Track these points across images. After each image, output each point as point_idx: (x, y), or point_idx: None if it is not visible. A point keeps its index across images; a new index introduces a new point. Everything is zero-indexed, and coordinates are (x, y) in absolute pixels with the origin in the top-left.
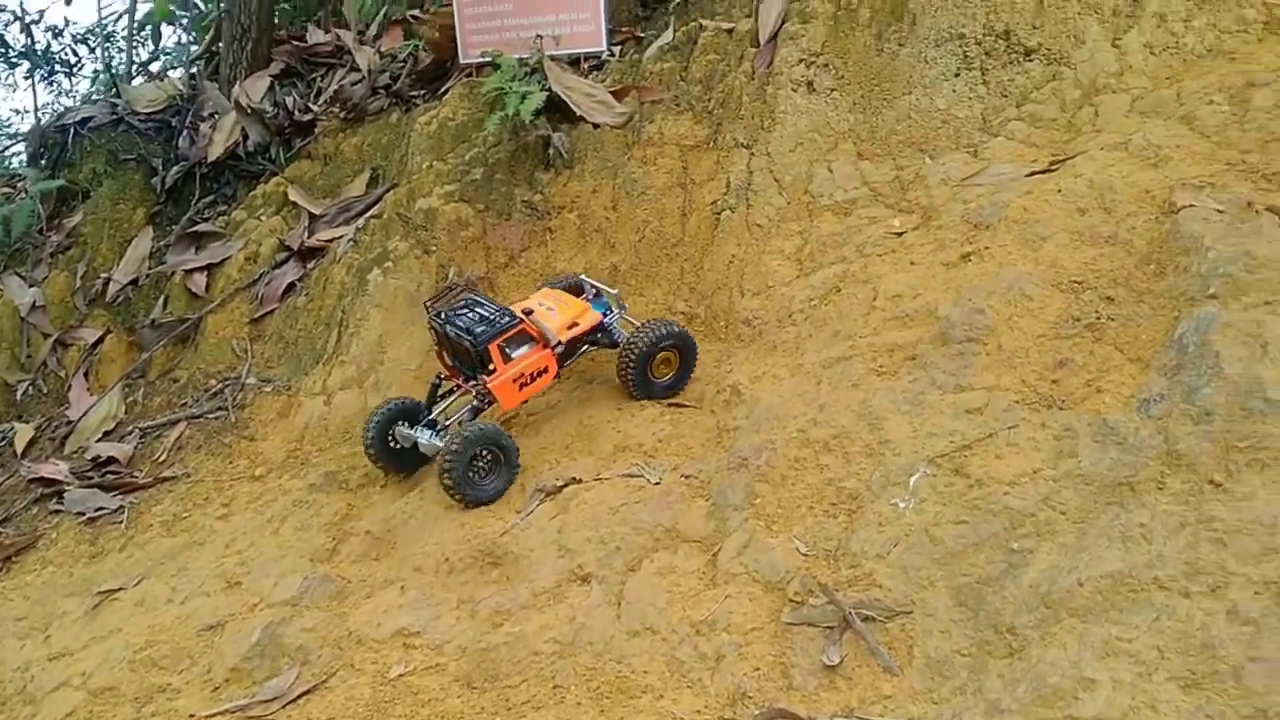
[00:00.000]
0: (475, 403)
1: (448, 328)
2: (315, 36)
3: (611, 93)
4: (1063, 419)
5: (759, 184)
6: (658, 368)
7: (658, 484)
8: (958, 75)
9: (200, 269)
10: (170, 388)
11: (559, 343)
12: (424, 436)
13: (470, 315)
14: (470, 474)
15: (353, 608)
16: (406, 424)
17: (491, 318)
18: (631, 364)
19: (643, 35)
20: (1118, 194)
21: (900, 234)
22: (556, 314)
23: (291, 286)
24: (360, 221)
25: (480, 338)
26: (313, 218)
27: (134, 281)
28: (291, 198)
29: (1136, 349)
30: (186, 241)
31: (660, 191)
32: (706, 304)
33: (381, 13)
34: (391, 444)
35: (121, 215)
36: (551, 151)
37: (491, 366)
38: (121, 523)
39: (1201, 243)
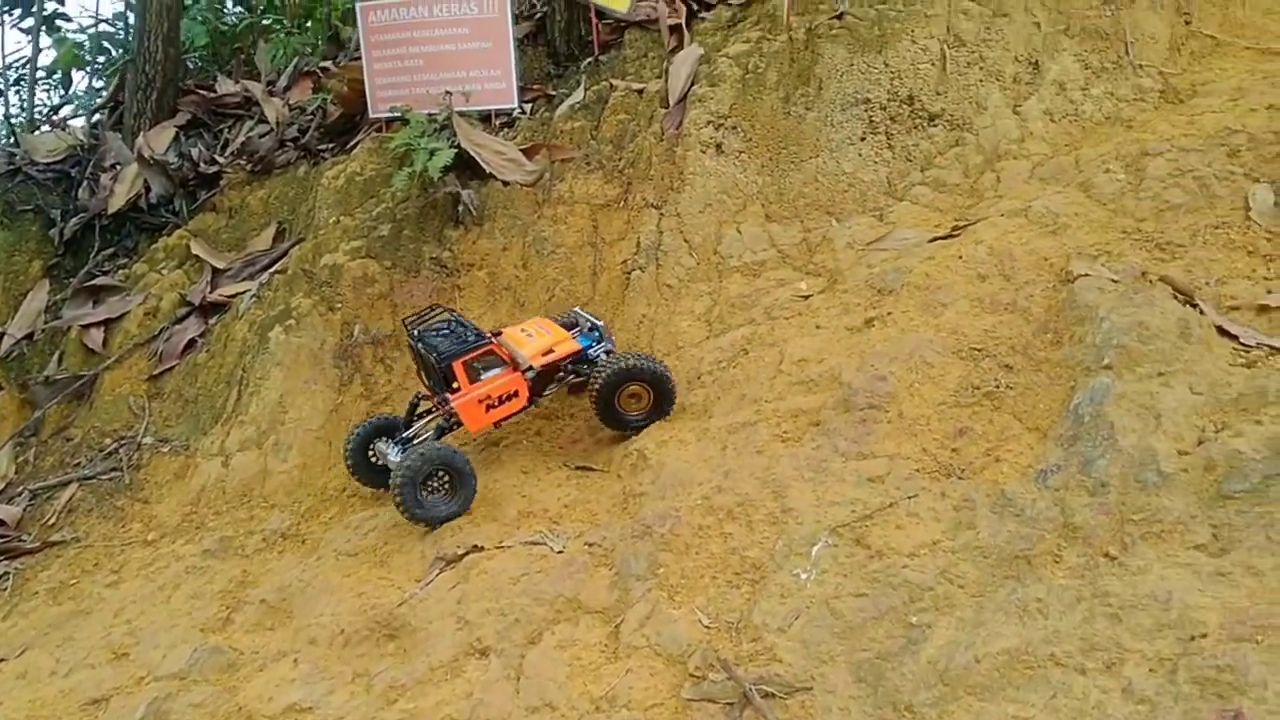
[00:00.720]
0: (441, 422)
1: (420, 345)
2: (225, 87)
3: (522, 150)
4: (962, 489)
5: (669, 244)
6: (625, 401)
7: (561, 552)
8: (863, 139)
9: (98, 324)
10: (63, 447)
11: (530, 367)
12: (393, 453)
13: (444, 334)
14: (423, 494)
15: (244, 681)
16: (386, 440)
17: (461, 337)
18: (596, 393)
19: (554, 93)
20: (1017, 261)
21: (807, 297)
22: (534, 340)
23: (192, 343)
24: (264, 277)
25: (445, 355)
26: (216, 272)
27: (29, 336)
28: (194, 251)
29: (1034, 418)
30: (84, 295)
31: (570, 250)
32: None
33: (292, 65)
34: (372, 459)
35: (17, 267)
36: (461, 208)
37: (456, 385)
38: (5, 589)
39: (1096, 312)
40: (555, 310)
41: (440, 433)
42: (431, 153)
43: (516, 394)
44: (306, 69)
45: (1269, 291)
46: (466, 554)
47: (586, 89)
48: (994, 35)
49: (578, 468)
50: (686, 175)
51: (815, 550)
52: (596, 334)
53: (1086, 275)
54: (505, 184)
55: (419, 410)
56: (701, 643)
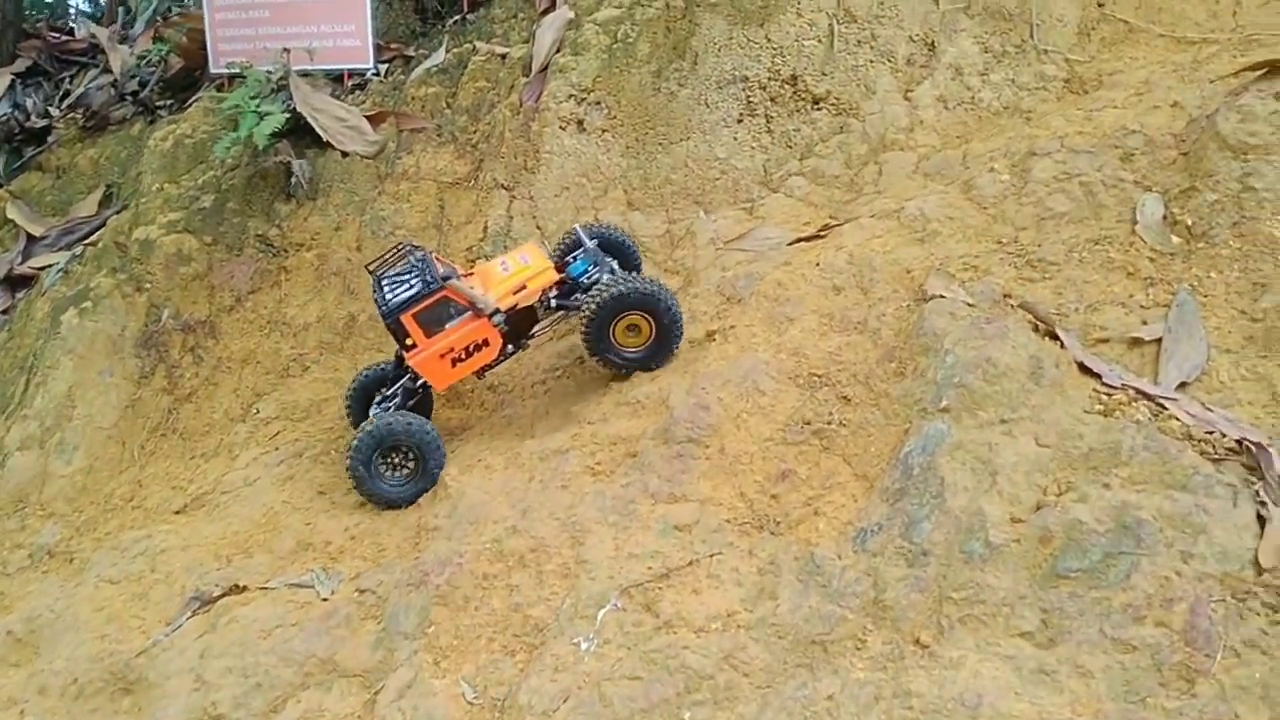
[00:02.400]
0: (408, 383)
1: (377, 294)
2: (83, 29)
3: (367, 117)
4: (771, 548)
5: (520, 231)
6: (622, 334)
7: (326, 600)
8: (740, 122)
9: None
10: None
11: (496, 311)
12: (373, 413)
13: (403, 280)
14: (381, 470)
15: None
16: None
17: (415, 285)
18: (585, 326)
19: (414, 54)
20: (877, 273)
21: None
22: (508, 275)
23: None
24: (80, 248)
25: (391, 308)
26: (30, 239)
27: None
28: (10, 215)
29: (864, 462)
30: None
31: (412, 233)
32: None
33: (152, 7)
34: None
35: None
36: (292, 180)
37: (410, 341)
38: None
39: (942, 343)
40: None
41: (409, 395)
42: (261, 116)
43: (486, 343)
44: (164, 14)
45: (1144, 323)
46: (224, 595)
47: (448, 50)
48: (887, 11)
49: None
50: (542, 154)
51: (602, 614)
52: (599, 257)
53: (940, 297)
54: (344, 155)
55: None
56: None
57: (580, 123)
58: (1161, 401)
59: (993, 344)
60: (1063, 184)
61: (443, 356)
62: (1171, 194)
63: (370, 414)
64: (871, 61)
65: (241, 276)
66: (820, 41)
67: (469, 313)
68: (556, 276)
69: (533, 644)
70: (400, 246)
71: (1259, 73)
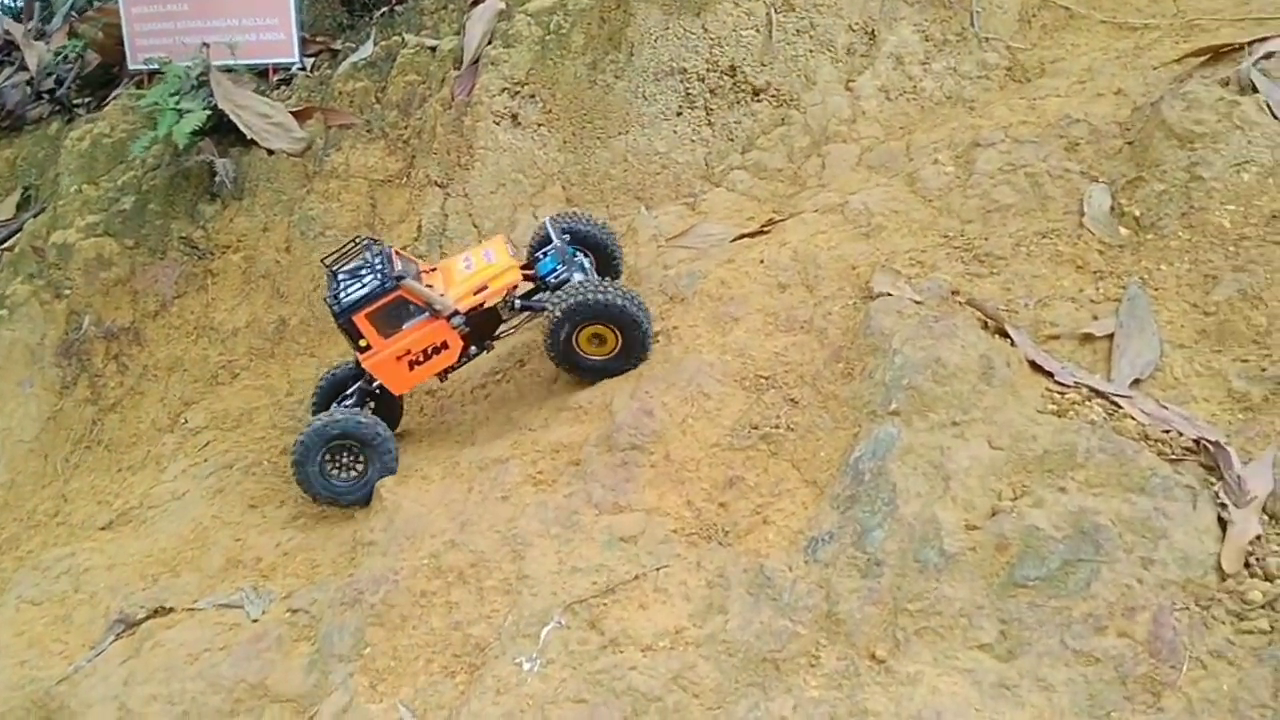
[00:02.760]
0: (364, 385)
1: (330, 292)
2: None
3: (293, 113)
4: (719, 560)
5: (455, 229)
6: (585, 342)
7: (256, 621)
8: (679, 115)
9: None
10: None
11: (455, 313)
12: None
13: (358, 277)
14: (328, 469)
15: None
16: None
17: (369, 283)
18: (547, 333)
19: (341, 48)
20: (822, 269)
21: None
22: (472, 271)
23: None
24: None
25: (343, 308)
26: None
27: None
28: None
29: (813, 468)
30: None
31: (343, 233)
32: None
33: (69, 3)
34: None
35: None
36: (216, 180)
37: (363, 342)
38: None
39: (890, 343)
40: (322, 306)
41: (363, 396)
42: (181, 114)
43: (446, 345)
44: (80, 9)
45: (1095, 318)
46: (150, 617)
47: (376, 43)
48: (826, 0)
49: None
50: (476, 150)
51: (545, 632)
52: (569, 255)
53: (887, 295)
54: (270, 153)
55: None
56: None
57: (515, 117)
58: (1116, 400)
59: (941, 343)
60: (1008, 175)
61: (399, 359)
62: (1118, 184)
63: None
64: (811, 51)
65: (166, 281)
66: (758, 31)
67: (426, 314)
68: (519, 276)
69: (474, 664)
70: (358, 240)
71: (1202, 59)
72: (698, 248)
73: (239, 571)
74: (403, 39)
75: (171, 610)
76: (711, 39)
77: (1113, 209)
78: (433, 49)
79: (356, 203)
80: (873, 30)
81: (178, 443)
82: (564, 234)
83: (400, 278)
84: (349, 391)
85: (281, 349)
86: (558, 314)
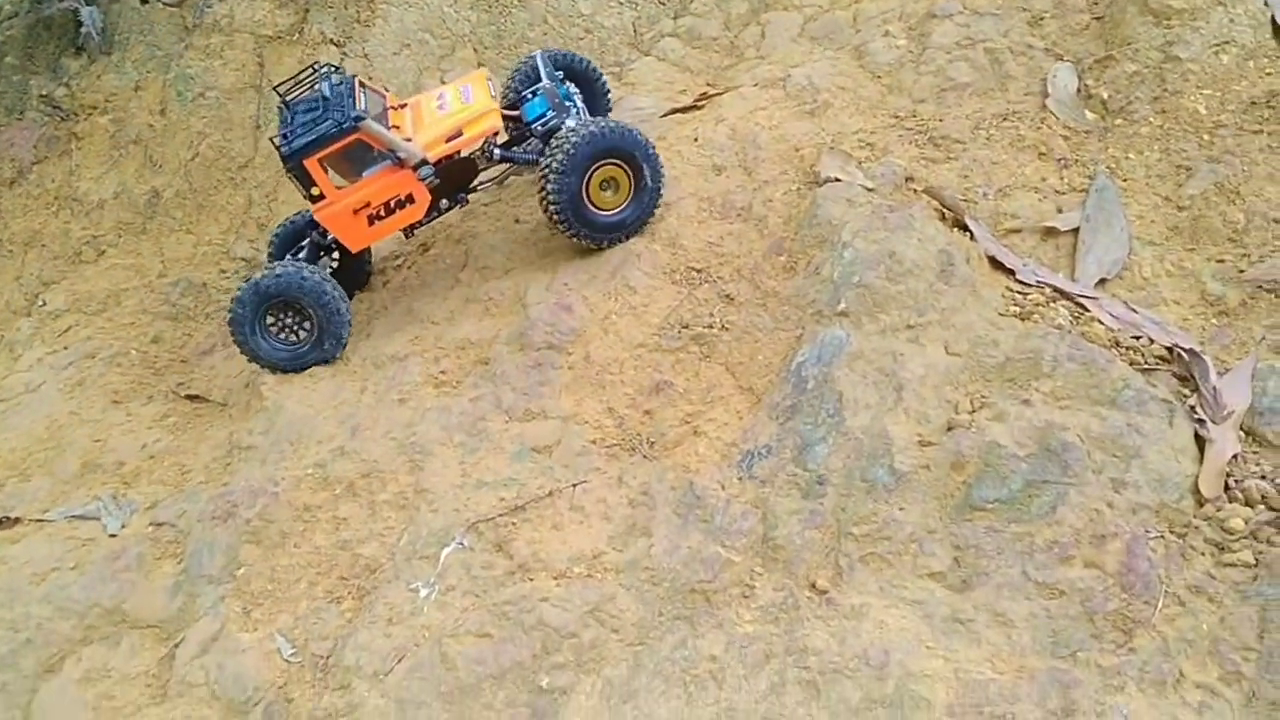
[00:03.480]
0: (317, 237)
1: (281, 131)
2: None
3: None
4: (643, 476)
5: None
6: (596, 191)
7: (114, 536)
8: None
9: None
10: None
11: (423, 162)
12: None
13: (311, 111)
14: (269, 328)
15: None
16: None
17: (323, 123)
18: (552, 180)
19: None
20: (762, 150)
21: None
22: (442, 116)
23: None
24: None
25: (293, 150)
26: None
27: None
28: None
29: (750, 373)
30: None
31: (226, 95)
32: None
33: None
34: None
35: None
36: (83, 31)
37: (315, 190)
38: None
39: (839, 235)
40: (200, 176)
41: (316, 250)
42: None
43: (411, 199)
44: None
45: (1059, 210)
46: None
47: None
48: None
49: (187, 396)
50: (378, 4)
51: (445, 554)
52: (561, 97)
53: (835, 180)
54: (144, 2)
55: None
56: (272, 687)
57: None
58: (1082, 302)
59: (897, 236)
60: (965, 51)
61: (356, 212)
62: (1086, 64)
63: None
64: None
65: (23, 145)
66: None
67: (389, 161)
68: (500, 121)
69: (363, 589)
70: (318, 66)
71: None
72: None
73: (97, 477)
74: None
75: (17, 521)
76: None
77: (1079, 91)
78: None
79: (241, 61)
80: None
81: (34, 327)
82: (556, 71)
83: (359, 118)
84: (300, 244)
85: (154, 225)
86: (565, 151)
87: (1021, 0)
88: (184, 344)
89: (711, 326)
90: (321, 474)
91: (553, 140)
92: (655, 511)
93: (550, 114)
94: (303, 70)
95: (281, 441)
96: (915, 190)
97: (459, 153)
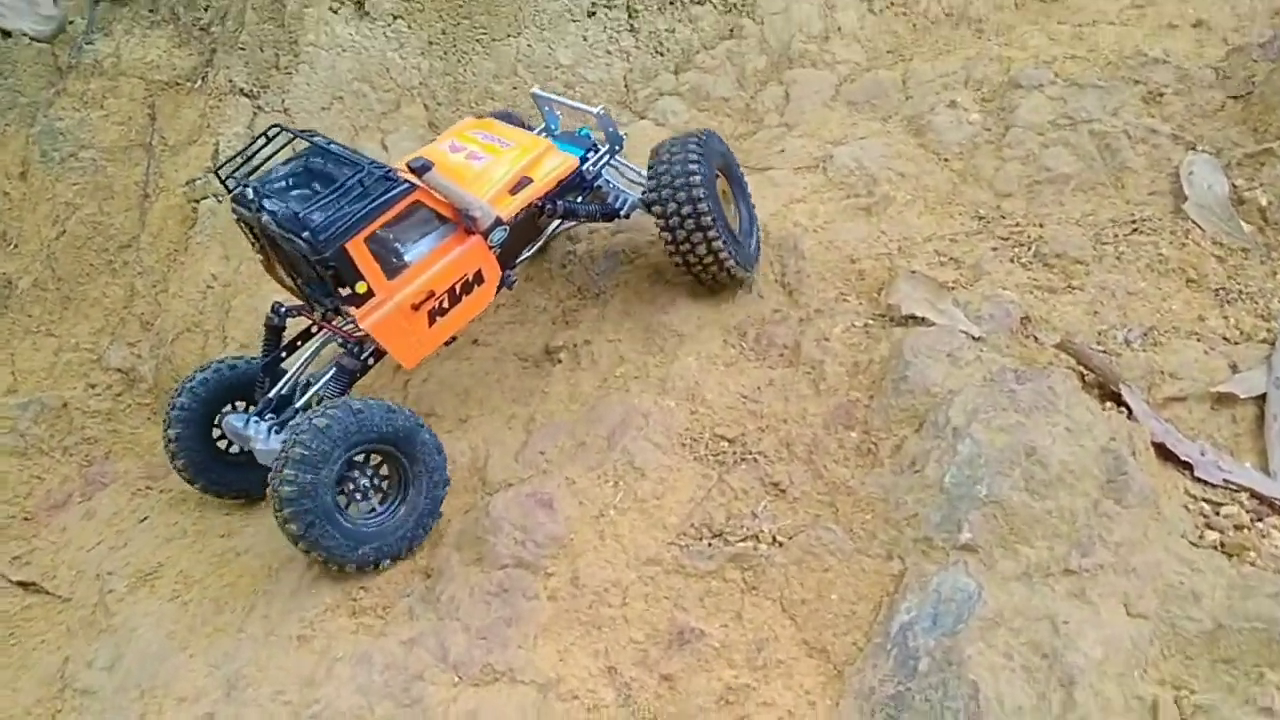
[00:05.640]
0: (342, 359)
1: (263, 214)
2: None
3: None
4: None
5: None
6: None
7: None
8: (592, 15)
9: None
10: None
11: (497, 222)
12: (259, 433)
13: (309, 185)
14: (340, 502)
15: None
16: (243, 407)
17: (352, 186)
18: (686, 234)
19: None
20: (806, 261)
21: None
22: (489, 163)
23: None
24: None
25: (326, 234)
26: None
27: None
28: None
29: (820, 622)
30: None
31: (106, 155)
32: (165, 355)
33: None
34: (219, 442)
35: None
36: None
37: (362, 286)
38: None
39: (947, 414)
40: (67, 260)
41: (344, 379)
42: None
43: (480, 278)
44: None
45: (1233, 367)
46: None
47: None
48: None
49: (18, 583)
50: (303, 47)
51: None
52: (585, 135)
53: (923, 321)
54: (6, 35)
55: (295, 338)
56: None
57: (360, 3)
58: None
59: (1035, 422)
60: (1064, 132)
61: (416, 308)
62: (1232, 157)
63: (252, 434)
64: None
65: None
66: None
67: (455, 227)
68: (576, 163)
69: None
70: (273, 131)
71: None
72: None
73: None
74: None
75: None
76: None
77: (1233, 195)
78: None
79: (128, 112)
80: None
81: None
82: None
83: (425, 166)
84: (327, 370)
85: (3, 324)
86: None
87: (1130, 70)
88: (30, 492)
89: (757, 539)
90: None
91: (656, 178)
92: None
93: (591, 157)
94: (253, 140)
95: (129, 687)
96: (1036, 339)
97: (533, 203)
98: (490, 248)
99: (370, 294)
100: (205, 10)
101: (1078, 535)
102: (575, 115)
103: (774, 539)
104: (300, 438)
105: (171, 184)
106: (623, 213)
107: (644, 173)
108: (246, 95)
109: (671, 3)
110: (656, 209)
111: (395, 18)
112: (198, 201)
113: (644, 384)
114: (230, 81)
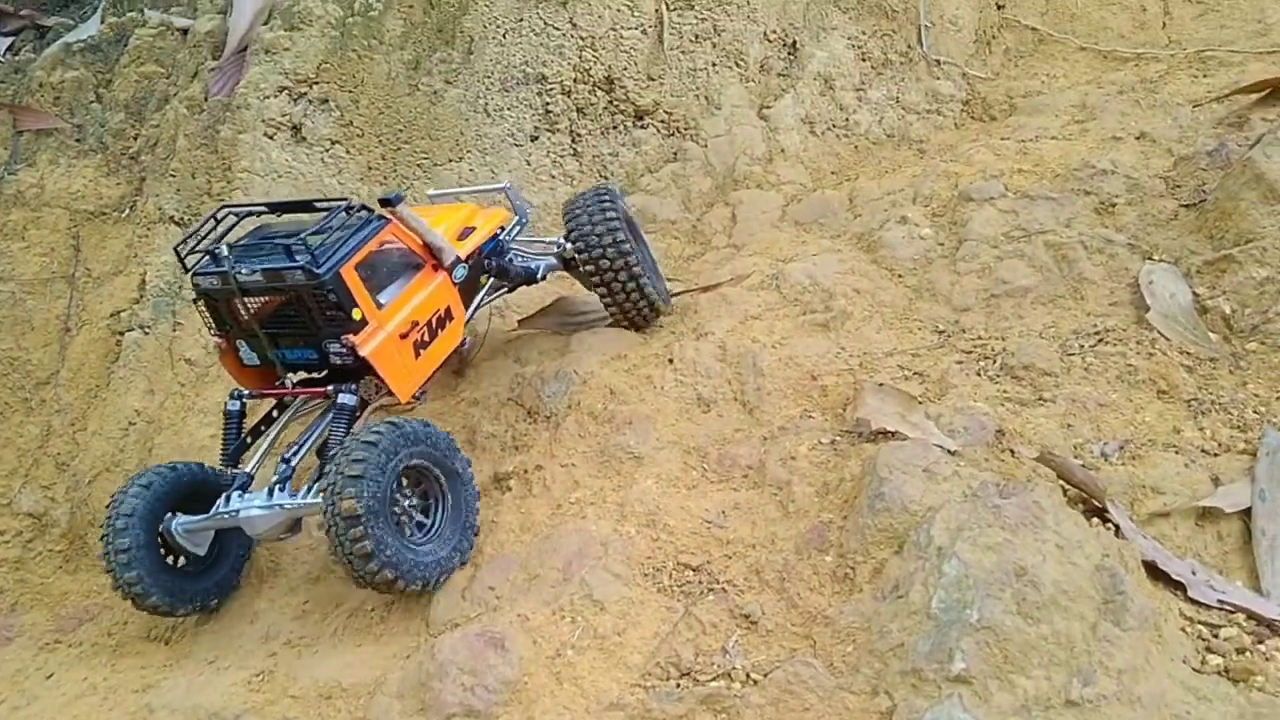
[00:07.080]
0: (339, 399)
1: (239, 271)
2: None
3: None
4: None
5: None
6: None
7: None
8: (535, 139)
9: None
10: None
11: (458, 259)
12: (245, 503)
13: (273, 243)
14: (401, 525)
15: None
16: (190, 511)
17: (329, 227)
18: (614, 274)
19: (50, 25)
20: (766, 378)
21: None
22: (436, 217)
23: None
24: None
25: (324, 261)
26: None
27: None
28: None
29: None
30: None
31: (26, 288)
32: (81, 498)
33: None
34: (166, 557)
35: None
36: None
37: (358, 312)
38: None
39: (929, 533)
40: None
41: (346, 415)
42: None
43: (449, 314)
44: None
45: (1215, 480)
46: None
47: (104, 20)
48: None
49: None
50: (237, 173)
51: None
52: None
53: (893, 436)
54: None
55: (258, 421)
56: None
57: (297, 129)
58: None
59: (1023, 540)
60: (1018, 244)
61: (404, 337)
62: (1191, 265)
63: (240, 506)
64: (715, 64)
65: None
66: (645, 33)
67: (425, 263)
68: (505, 214)
69: None
70: (221, 213)
71: (1257, 95)
72: (567, 330)
73: None
74: (141, 15)
75: None
76: (582, 39)
77: (1196, 302)
78: (184, 31)
79: (50, 243)
80: (794, 41)
81: None
82: None
83: (396, 198)
84: (311, 429)
85: None
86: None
87: (1080, 182)
88: None
89: (730, 677)
90: None
91: (573, 228)
92: None
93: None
94: (203, 222)
95: None
96: (1013, 452)
97: (478, 250)
98: (455, 284)
99: (365, 321)
100: (135, 139)
101: (1077, 662)
102: (482, 197)
103: (748, 677)
104: (353, 455)
105: (95, 316)
106: (539, 275)
107: (551, 240)
108: (177, 223)
109: (614, 126)
110: (583, 256)
111: (333, 143)
112: (122, 334)
113: (601, 510)
114: (160, 210)
